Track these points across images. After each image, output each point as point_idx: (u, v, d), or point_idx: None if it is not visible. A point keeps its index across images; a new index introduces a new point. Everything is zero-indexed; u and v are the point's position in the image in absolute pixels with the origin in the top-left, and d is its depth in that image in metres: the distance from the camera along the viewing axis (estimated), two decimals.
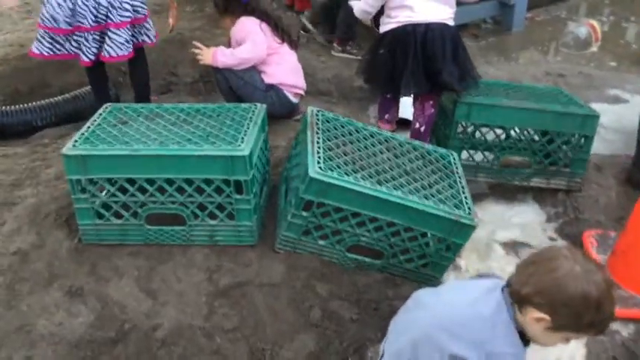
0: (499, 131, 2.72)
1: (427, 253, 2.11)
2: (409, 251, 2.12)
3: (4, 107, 3.14)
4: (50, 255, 2.08)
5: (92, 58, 2.84)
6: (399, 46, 2.67)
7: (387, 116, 3.06)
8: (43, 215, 2.25)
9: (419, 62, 2.67)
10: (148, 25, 2.99)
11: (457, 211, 2.04)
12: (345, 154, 2.14)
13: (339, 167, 2.05)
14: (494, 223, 2.65)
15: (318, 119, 2.24)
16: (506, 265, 2.38)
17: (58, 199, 2.37)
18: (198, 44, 2.91)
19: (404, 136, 2.53)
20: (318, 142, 2.11)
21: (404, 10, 2.69)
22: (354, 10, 2.93)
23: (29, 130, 3.13)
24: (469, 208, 2.07)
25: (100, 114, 2.29)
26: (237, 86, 2.91)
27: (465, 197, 2.15)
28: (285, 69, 3.03)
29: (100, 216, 2.13)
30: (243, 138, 2.08)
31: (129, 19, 2.86)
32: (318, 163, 2.01)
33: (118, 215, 2.13)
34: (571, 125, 2.68)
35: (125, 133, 2.15)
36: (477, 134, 2.73)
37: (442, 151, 2.39)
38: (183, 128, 2.19)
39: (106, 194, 2.14)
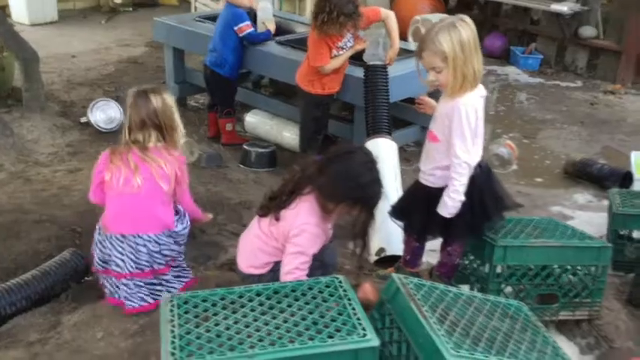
0: (530, 270, 2.78)
1: None
2: None
3: None
4: None
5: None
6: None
7: (418, 261, 2.99)
8: None
9: None
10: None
11: None
12: (455, 325, 2.03)
13: (460, 343, 1.93)
14: None
15: (411, 288, 2.11)
16: None
17: None
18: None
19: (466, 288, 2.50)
20: (431, 317, 1.98)
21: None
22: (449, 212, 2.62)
23: None
24: None
25: (171, 311, 1.95)
26: None
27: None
28: None
29: None
30: (360, 323, 1.90)
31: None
32: (447, 342, 1.88)
33: None
34: (589, 257, 2.82)
35: (221, 333, 1.86)
36: (511, 275, 2.76)
37: (514, 303, 2.37)
38: (279, 317, 1.94)
39: None
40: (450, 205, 2.56)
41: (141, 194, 2.63)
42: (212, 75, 4.60)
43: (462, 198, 2.55)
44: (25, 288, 2.69)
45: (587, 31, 6.98)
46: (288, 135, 4.64)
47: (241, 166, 4.42)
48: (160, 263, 2.69)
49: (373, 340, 1.84)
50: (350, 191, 2.40)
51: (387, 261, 3.34)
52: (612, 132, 5.55)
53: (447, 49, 2.40)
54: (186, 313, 1.96)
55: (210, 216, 3.17)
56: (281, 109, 4.81)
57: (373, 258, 3.39)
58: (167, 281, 2.75)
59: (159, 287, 2.71)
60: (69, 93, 5.55)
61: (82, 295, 2.78)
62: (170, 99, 2.73)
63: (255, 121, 4.91)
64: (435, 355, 1.86)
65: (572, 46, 7.20)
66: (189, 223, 2.82)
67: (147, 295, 2.67)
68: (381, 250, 3.38)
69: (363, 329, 1.87)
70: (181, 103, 5.43)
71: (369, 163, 2.45)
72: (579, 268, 2.85)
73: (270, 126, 4.78)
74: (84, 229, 3.16)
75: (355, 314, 1.95)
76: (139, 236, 2.63)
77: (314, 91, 3.98)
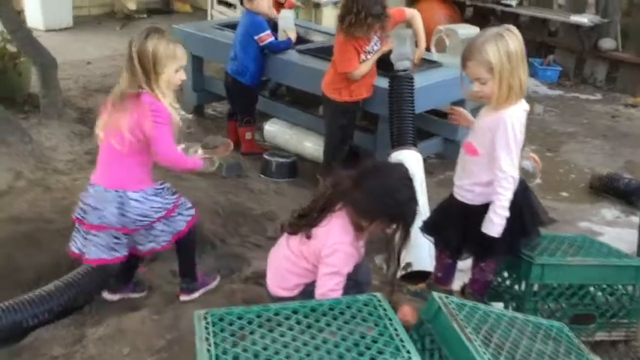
0: (567, 289, 2.70)
1: None
2: None
3: None
4: None
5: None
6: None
7: (451, 279, 2.92)
8: None
9: None
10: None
11: None
12: (500, 348, 1.95)
13: None
14: None
15: (453, 308, 2.04)
16: None
17: None
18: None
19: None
20: (475, 340, 1.90)
21: None
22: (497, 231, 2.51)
23: (18, 333, 2.51)
24: None
25: (206, 328, 1.88)
26: None
27: None
28: None
29: None
30: (404, 345, 1.82)
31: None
32: None
33: None
34: (628, 276, 2.74)
35: (259, 353, 1.78)
36: (548, 294, 2.68)
37: (556, 324, 2.29)
38: (318, 338, 1.87)
39: None
40: (498, 222, 2.47)
41: (103, 145, 2.60)
42: (233, 83, 4.54)
43: (507, 214, 2.47)
44: (48, 300, 2.62)
45: (607, 44, 6.89)
46: (310, 145, 4.57)
47: (262, 175, 4.36)
48: (91, 220, 2.57)
49: None
50: (387, 208, 2.31)
51: (413, 276, 3.26)
52: (634, 146, 5.45)
53: (494, 60, 2.33)
54: (221, 331, 1.88)
55: (230, 145, 2.96)
56: (300, 118, 4.74)
57: (400, 272, 3.31)
58: (91, 242, 2.62)
59: (83, 240, 2.64)
60: (86, 100, 5.50)
61: (106, 307, 2.71)
62: (155, 44, 2.44)
63: (275, 130, 4.85)
64: None
65: (592, 59, 7.11)
66: (158, 207, 2.62)
67: (72, 242, 2.68)
68: (408, 264, 3.29)
69: (408, 352, 1.80)
70: (199, 111, 5.40)
71: (406, 179, 2.36)
72: (616, 287, 2.77)
73: (290, 135, 4.71)
74: None
75: (397, 335, 1.87)
76: (94, 186, 2.59)
77: (340, 98, 3.89)
